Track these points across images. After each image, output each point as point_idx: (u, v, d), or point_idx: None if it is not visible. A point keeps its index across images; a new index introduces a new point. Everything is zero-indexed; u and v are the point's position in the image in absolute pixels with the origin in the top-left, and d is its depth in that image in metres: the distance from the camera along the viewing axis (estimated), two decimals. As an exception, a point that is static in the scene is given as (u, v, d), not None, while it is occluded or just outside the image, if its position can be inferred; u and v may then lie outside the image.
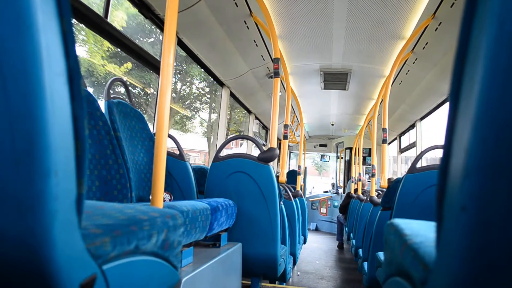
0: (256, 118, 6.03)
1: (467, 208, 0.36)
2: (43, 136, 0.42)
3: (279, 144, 6.61)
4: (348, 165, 8.04)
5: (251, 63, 3.93)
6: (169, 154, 2.15)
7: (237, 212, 2.08)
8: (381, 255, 1.90)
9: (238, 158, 2.19)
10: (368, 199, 3.64)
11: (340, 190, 8.32)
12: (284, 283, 2.92)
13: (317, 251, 5.33)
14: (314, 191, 10.47)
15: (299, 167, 4.88)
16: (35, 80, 0.41)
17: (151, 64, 2.80)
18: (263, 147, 2.19)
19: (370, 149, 7.71)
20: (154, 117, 2.82)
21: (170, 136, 2.10)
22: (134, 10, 2.53)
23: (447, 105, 0.43)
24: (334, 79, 4.42)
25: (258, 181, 2.13)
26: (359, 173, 5.39)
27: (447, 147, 0.41)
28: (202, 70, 3.80)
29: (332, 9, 2.85)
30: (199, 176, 2.51)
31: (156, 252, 0.78)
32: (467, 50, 0.39)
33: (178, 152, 2.19)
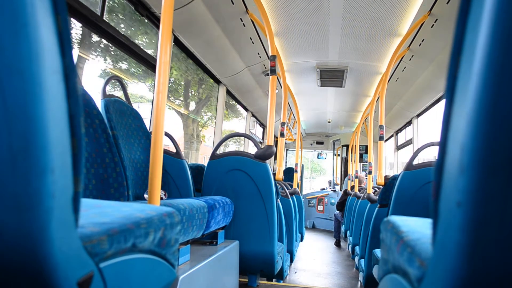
0: (253, 115, 6.02)
1: (462, 204, 0.36)
2: (39, 134, 0.41)
3: (276, 142, 6.61)
4: (345, 162, 8.06)
5: (247, 61, 3.92)
6: (166, 152, 2.14)
7: (234, 210, 2.09)
8: (378, 252, 1.91)
9: (235, 156, 2.19)
10: (365, 196, 3.65)
11: (337, 188, 8.35)
12: (281, 281, 2.93)
13: (314, 249, 5.35)
14: None
15: (296, 164, 4.88)
16: (31, 78, 0.41)
17: (148, 62, 2.79)
18: (260, 145, 2.19)
19: (366, 146, 7.72)
20: (151, 115, 2.81)
21: (166, 134, 2.10)
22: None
23: (443, 102, 0.42)
24: (331, 76, 4.41)
25: (255, 178, 2.13)
26: (356, 170, 5.41)
27: (443, 143, 0.41)
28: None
29: (328, 6, 2.84)
30: (196, 174, 2.51)
31: (153, 250, 0.78)
32: (462, 46, 0.39)
33: (175, 150, 2.19)
